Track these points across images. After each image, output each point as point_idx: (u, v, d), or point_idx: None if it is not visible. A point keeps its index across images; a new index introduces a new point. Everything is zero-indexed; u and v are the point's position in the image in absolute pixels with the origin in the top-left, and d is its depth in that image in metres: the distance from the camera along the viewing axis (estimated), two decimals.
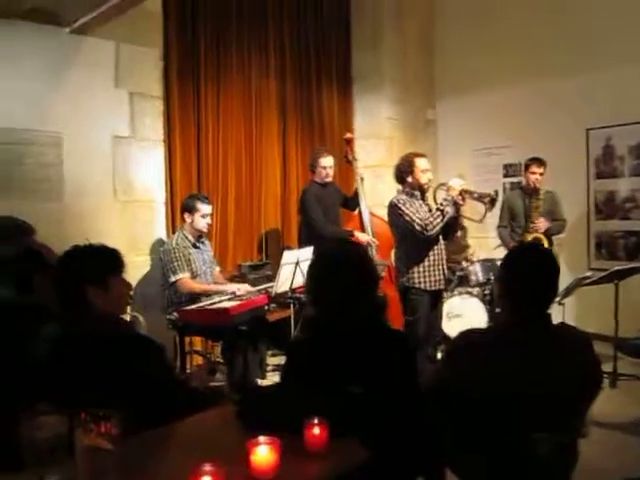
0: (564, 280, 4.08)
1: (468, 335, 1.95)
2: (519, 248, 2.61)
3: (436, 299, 3.92)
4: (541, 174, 4.89)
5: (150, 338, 2.02)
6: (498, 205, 4.84)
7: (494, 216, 5.01)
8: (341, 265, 1.86)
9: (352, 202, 5.11)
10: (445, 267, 3.90)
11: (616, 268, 4.25)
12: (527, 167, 4.99)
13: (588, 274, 4.33)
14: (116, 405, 1.41)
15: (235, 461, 1.42)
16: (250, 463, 1.40)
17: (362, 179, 5.09)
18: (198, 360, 4.71)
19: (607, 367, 4.14)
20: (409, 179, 3.83)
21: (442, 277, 3.86)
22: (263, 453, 1.40)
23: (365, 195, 5.08)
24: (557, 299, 3.99)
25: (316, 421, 1.53)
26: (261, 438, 1.42)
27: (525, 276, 1.87)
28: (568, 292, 4.13)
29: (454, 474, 1.99)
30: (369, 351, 1.78)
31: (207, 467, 1.30)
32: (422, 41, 6.60)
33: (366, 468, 1.53)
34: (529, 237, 4.80)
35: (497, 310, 4.24)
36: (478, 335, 1.95)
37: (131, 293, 2.06)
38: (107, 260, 1.96)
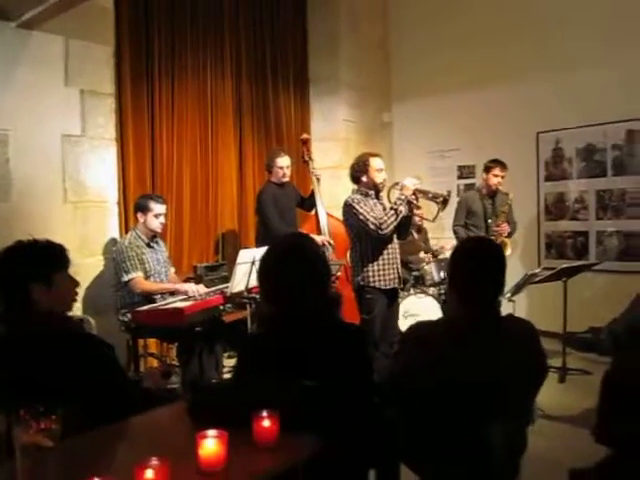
0: (515, 280, 4.19)
1: (418, 327, 1.97)
2: (465, 241, 2.66)
3: (392, 298, 3.95)
4: (502, 177, 4.88)
5: (98, 336, 1.98)
6: (454, 205, 4.93)
7: (449, 216, 5.10)
8: (292, 257, 1.85)
9: (308, 202, 5.12)
10: (399, 266, 3.94)
11: (564, 266, 4.37)
12: (489, 169, 4.93)
13: (537, 270, 4.44)
14: (63, 404, 1.38)
15: (184, 456, 1.40)
16: (198, 456, 1.38)
17: (318, 179, 5.11)
18: (153, 363, 4.63)
19: (556, 362, 4.27)
20: (364, 178, 3.86)
21: (396, 276, 3.89)
22: (210, 446, 1.38)
23: (321, 195, 5.11)
24: (507, 295, 4.08)
25: (265, 414, 1.51)
26: (209, 431, 1.41)
27: (471, 267, 1.90)
28: (518, 289, 4.21)
29: (407, 467, 2.00)
30: (322, 344, 1.77)
31: (152, 461, 1.27)
32: (378, 45, 6.68)
33: (318, 461, 1.52)
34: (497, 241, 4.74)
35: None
36: (428, 327, 1.97)
37: (77, 290, 2.00)
38: (51, 256, 1.90)
